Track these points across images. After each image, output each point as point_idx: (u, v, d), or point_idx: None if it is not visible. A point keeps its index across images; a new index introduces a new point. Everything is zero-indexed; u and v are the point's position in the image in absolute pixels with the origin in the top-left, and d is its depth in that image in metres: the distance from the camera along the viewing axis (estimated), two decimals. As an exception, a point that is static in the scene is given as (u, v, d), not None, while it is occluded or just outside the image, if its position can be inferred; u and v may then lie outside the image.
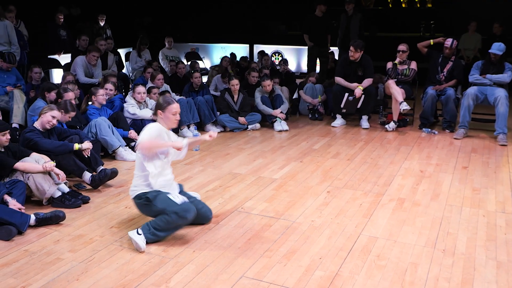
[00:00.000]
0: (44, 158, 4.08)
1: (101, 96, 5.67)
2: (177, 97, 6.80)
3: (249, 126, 6.81)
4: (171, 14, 14.12)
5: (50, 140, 4.39)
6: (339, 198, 4.24)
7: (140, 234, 3.30)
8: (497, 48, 6.32)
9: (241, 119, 6.73)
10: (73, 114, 4.93)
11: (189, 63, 9.60)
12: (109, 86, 6.16)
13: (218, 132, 6.66)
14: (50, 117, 4.40)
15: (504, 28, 9.74)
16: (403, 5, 13.38)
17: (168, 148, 3.49)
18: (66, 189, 4.12)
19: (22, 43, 7.45)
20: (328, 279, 2.90)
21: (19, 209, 3.61)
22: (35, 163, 3.97)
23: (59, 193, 4.02)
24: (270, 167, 5.15)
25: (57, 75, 8.75)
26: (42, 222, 3.60)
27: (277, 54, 12.25)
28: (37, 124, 4.43)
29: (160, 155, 3.46)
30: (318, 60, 9.22)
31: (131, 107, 5.90)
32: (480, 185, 4.55)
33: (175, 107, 3.51)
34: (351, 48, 6.77)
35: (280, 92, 7.23)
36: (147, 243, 3.30)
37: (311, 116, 7.54)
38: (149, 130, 3.41)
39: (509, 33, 9.81)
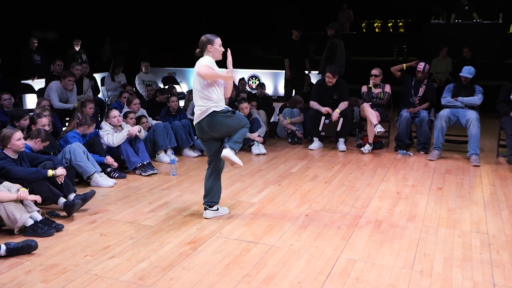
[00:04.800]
0: (16, 185, 4.00)
1: (92, 129, 5.70)
2: (154, 122, 6.77)
3: (227, 150, 6.80)
4: (148, 39, 14.18)
5: (22, 167, 4.31)
6: (318, 221, 4.25)
7: (233, 150, 4.09)
8: (467, 71, 6.53)
9: (219, 143, 6.72)
10: (47, 143, 4.86)
11: (166, 86, 9.64)
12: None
13: (195, 157, 6.65)
14: (15, 142, 4.29)
15: (474, 52, 10.08)
16: (377, 30, 13.76)
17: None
18: (39, 217, 4.02)
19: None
20: (308, 304, 2.89)
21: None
22: (7, 191, 3.88)
23: (31, 222, 3.92)
24: (248, 191, 5.15)
25: (30, 101, 8.64)
26: (13, 252, 3.50)
27: (254, 78, 12.37)
28: (7, 151, 4.33)
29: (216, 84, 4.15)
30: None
31: (106, 135, 5.78)
32: (455, 206, 4.64)
33: (219, 39, 4.21)
34: (329, 74, 6.89)
35: (258, 116, 7.28)
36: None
37: (291, 141, 7.55)
38: (204, 64, 4.07)
39: (478, 57, 10.16)
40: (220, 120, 4.11)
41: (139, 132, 5.98)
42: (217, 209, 4.39)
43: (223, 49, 4.22)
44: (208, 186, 4.36)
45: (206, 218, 4.31)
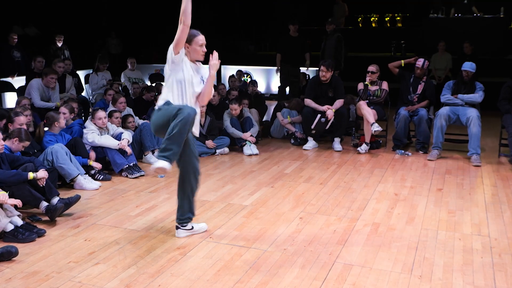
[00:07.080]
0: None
1: (63, 121, 5.59)
2: (141, 121, 6.76)
3: (218, 151, 6.81)
4: (134, 34, 14.14)
5: (2, 170, 4.27)
6: (312, 224, 4.26)
7: (157, 160, 3.41)
8: (469, 66, 6.59)
9: (209, 143, 6.73)
10: (27, 143, 4.82)
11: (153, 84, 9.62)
12: (63, 109, 5.97)
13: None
14: None
15: (474, 48, 10.16)
16: (373, 25, 13.82)
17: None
18: (20, 222, 4.00)
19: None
20: (302, 311, 2.90)
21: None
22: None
23: (12, 227, 3.89)
24: (240, 193, 5.15)
25: (10, 100, 8.58)
26: (-8, 258, 3.49)
27: (246, 75, 12.37)
28: (-16, 154, 4.29)
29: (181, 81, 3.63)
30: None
31: (91, 133, 5.74)
32: (455, 208, 4.67)
33: (201, 38, 3.71)
34: (323, 67, 6.90)
35: (250, 115, 7.28)
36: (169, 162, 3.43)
37: (294, 142, 7.43)
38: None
39: (479, 53, 10.24)
40: (153, 116, 3.67)
41: (129, 142, 5.92)
42: (192, 227, 3.97)
43: (204, 50, 3.73)
44: (178, 202, 3.90)
45: (178, 238, 3.93)
